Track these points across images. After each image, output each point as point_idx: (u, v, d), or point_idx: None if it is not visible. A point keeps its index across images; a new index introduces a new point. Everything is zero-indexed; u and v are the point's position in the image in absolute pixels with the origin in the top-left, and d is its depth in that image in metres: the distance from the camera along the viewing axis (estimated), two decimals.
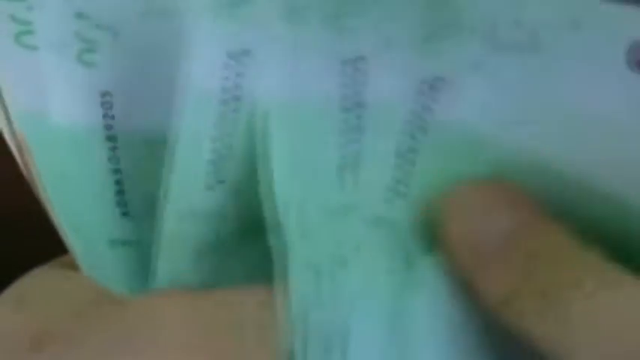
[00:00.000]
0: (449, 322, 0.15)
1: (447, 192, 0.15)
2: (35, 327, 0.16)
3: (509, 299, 0.14)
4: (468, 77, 0.15)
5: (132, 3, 0.15)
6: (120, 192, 0.17)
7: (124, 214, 0.17)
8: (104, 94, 0.15)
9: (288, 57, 0.15)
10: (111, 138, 0.16)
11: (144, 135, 0.16)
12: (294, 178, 0.15)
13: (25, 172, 0.17)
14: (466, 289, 0.15)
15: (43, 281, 0.17)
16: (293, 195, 0.15)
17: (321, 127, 0.15)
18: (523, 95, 0.15)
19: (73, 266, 0.18)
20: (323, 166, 0.15)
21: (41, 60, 0.15)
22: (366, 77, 0.15)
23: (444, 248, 0.15)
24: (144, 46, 0.15)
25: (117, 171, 0.16)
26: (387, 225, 0.16)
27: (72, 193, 0.17)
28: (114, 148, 0.16)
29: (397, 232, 0.16)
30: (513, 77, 0.15)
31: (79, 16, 0.15)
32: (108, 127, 0.16)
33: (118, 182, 0.16)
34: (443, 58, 0.15)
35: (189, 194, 0.16)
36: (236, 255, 0.17)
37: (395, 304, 0.15)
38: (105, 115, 0.16)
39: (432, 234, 0.15)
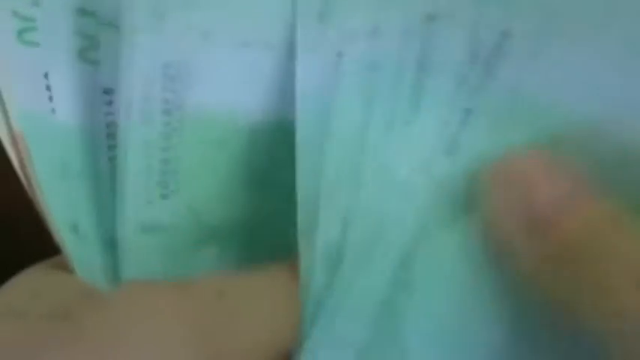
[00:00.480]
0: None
1: (497, 159, 0.15)
2: (23, 330, 0.16)
3: (543, 270, 0.14)
4: (527, 40, 0.15)
5: None
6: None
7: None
8: (107, 92, 0.15)
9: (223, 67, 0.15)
10: (112, 136, 0.16)
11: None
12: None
13: (19, 170, 0.16)
14: (500, 260, 0.15)
15: (32, 283, 0.17)
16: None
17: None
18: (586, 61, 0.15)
19: (64, 267, 0.17)
20: None
21: (43, 57, 0.15)
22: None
23: (487, 215, 0.15)
24: None
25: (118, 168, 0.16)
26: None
27: (70, 191, 0.16)
28: (115, 147, 0.16)
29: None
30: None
31: (82, 12, 0.15)
32: (110, 125, 0.16)
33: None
34: (506, 18, 0.15)
35: (141, 205, 0.16)
36: (193, 259, 0.18)
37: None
38: (107, 113, 0.16)
39: (474, 198, 0.16)
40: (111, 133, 0.16)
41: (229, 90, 0.15)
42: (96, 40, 0.15)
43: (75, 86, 0.15)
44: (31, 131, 0.16)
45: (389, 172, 0.16)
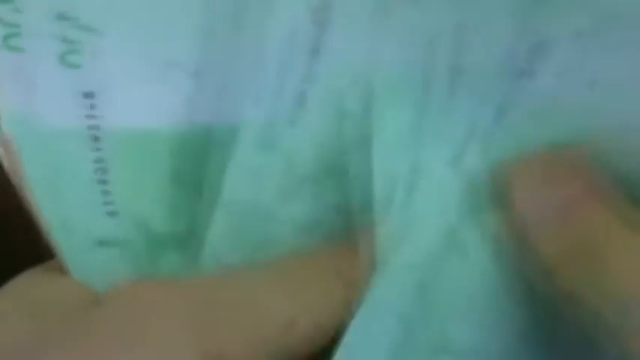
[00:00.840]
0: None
1: (519, 158, 0.16)
2: (19, 334, 0.16)
3: (559, 265, 0.15)
4: (567, 44, 0.15)
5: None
6: (106, 192, 0.17)
7: (111, 214, 0.17)
8: (88, 95, 0.16)
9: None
10: (96, 138, 0.16)
11: (129, 135, 0.16)
12: None
13: (10, 173, 0.17)
14: (520, 253, 0.16)
15: (27, 287, 0.17)
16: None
17: None
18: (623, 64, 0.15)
19: (59, 270, 0.18)
20: None
21: (29, 62, 0.15)
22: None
23: (508, 210, 0.16)
24: None
25: (103, 171, 0.17)
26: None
27: (59, 194, 0.17)
28: (99, 149, 0.16)
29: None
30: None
31: (62, 17, 0.15)
32: (93, 128, 0.16)
33: (103, 182, 0.17)
34: (546, 23, 0.15)
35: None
36: (156, 268, 0.18)
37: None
38: (89, 116, 0.16)
39: (502, 193, 0.16)
40: (94, 135, 0.16)
41: (150, 107, 0.16)
42: (77, 45, 0.15)
43: (57, 90, 0.16)
44: (19, 134, 0.16)
45: (421, 168, 0.17)
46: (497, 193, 0.16)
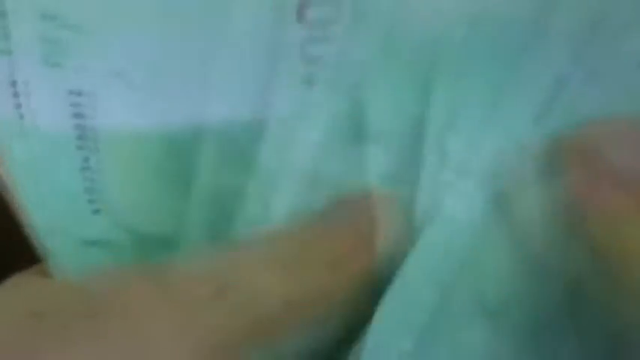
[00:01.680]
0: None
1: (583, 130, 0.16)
2: (12, 336, 0.15)
3: (619, 222, 0.14)
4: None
5: None
6: (91, 190, 0.17)
7: (96, 212, 0.17)
8: (73, 94, 0.16)
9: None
10: (81, 137, 0.16)
11: (114, 134, 0.16)
12: None
13: None
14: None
15: (18, 290, 0.17)
16: None
17: None
18: None
19: (49, 274, 0.17)
20: None
21: (11, 64, 0.15)
22: None
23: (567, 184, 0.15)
24: None
25: (88, 169, 0.17)
26: None
27: (45, 195, 0.17)
28: (84, 147, 0.16)
29: None
30: None
31: (44, 17, 0.15)
32: (78, 127, 0.16)
33: (89, 180, 0.17)
34: None
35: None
36: None
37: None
38: (75, 115, 0.16)
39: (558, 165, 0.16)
40: (80, 134, 0.16)
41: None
42: (61, 43, 0.15)
43: (41, 91, 0.16)
44: (5, 136, 0.16)
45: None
46: (554, 165, 0.16)
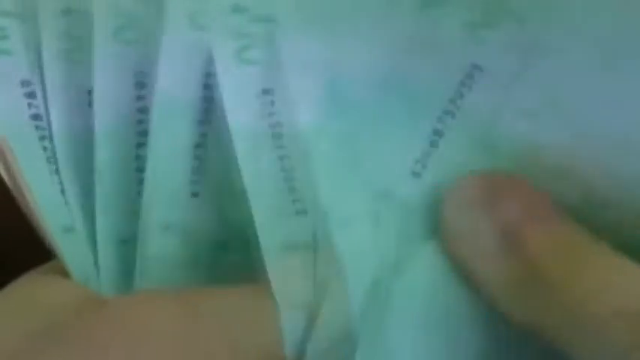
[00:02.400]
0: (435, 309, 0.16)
1: (454, 182, 0.15)
2: (20, 337, 0.16)
3: (511, 289, 0.14)
4: (506, 68, 0.15)
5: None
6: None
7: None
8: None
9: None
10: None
11: (71, 122, 0.16)
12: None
13: (5, 177, 0.17)
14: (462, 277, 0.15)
15: (29, 289, 0.17)
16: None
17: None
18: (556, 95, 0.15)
19: (60, 272, 0.17)
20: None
21: (19, 65, 0.15)
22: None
23: (444, 237, 0.15)
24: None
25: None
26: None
27: (62, 194, 0.17)
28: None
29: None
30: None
31: (67, 12, 0.15)
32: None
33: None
34: (486, 46, 0.15)
35: (168, 203, 0.16)
36: (210, 266, 0.17)
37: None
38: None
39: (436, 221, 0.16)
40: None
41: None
42: (80, 41, 0.15)
43: (57, 90, 0.16)
44: (14, 138, 0.16)
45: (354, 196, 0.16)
46: (436, 222, 0.16)
